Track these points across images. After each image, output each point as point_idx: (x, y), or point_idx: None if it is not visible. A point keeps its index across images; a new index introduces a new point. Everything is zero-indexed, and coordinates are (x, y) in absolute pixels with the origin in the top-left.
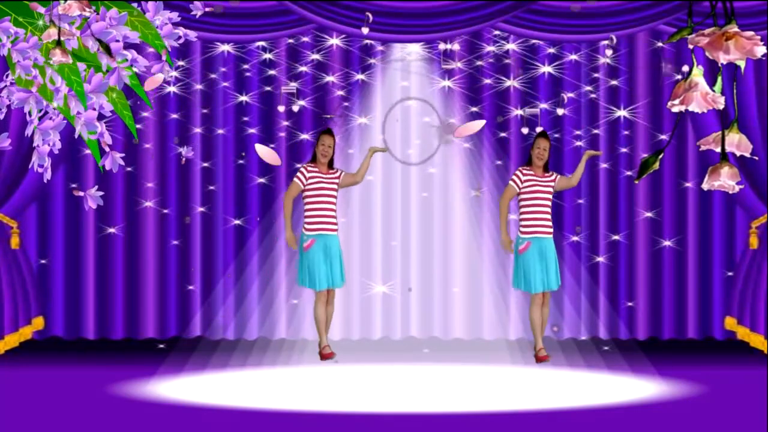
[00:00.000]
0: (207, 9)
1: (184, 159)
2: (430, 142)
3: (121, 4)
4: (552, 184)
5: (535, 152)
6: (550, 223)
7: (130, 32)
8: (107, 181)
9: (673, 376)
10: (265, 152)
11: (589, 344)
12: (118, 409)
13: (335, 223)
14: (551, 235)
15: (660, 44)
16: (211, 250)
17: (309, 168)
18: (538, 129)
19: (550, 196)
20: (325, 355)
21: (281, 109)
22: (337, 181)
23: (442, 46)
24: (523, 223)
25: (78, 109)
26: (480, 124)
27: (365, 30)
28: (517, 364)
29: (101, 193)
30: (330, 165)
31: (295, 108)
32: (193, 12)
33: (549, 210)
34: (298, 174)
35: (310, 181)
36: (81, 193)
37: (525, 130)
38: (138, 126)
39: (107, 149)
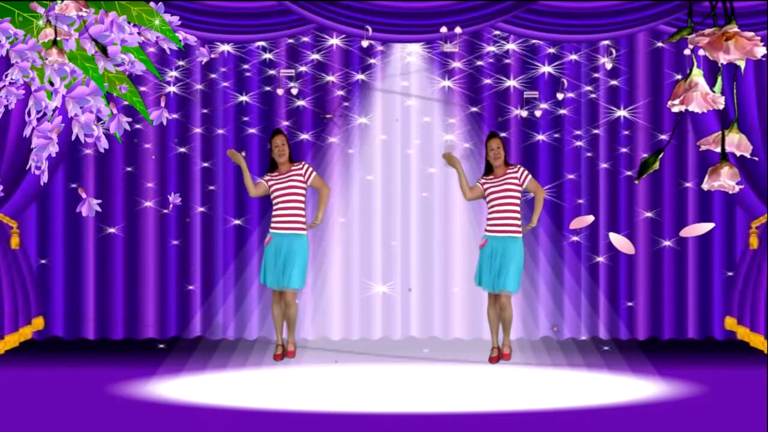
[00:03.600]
0: (213, 56)
1: (171, 206)
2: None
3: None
4: (515, 177)
5: (489, 155)
6: (511, 223)
7: (128, 36)
8: (107, 181)
9: (673, 376)
10: (621, 241)
11: (589, 344)
12: (118, 409)
13: (294, 222)
14: (514, 235)
15: (660, 44)
16: (211, 250)
17: (267, 176)
18: (537, 113)
19: (512, 194)
20: (274, 356)
21: (280, 92)
22: (299, 177)
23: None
24: (487, 221)
25: (76, 111)
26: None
27: (365, 43)
28: (517, 364)
29: (99, 201)
30: (291, 160)
31: (294, 90)
32: (200, 59)
33: (512, 209)
34: (260, 180)
35: (270, 184)
36: (83, 195)
37: (524, 113)
38: (138, 126)
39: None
